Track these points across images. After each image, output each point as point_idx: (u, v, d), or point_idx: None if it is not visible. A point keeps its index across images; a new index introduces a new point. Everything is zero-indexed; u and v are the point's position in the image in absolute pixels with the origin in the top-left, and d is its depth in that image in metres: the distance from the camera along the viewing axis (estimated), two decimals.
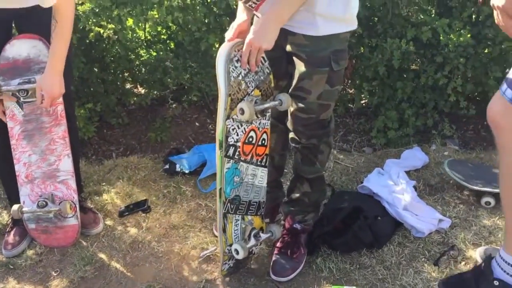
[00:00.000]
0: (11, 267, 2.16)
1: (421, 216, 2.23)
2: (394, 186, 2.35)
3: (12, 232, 2.28)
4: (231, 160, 1.83)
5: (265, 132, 1.91)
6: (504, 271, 1.79)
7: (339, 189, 2.53)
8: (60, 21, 1.91)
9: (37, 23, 2.00)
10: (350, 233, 2.12)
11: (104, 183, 2.69)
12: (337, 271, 2.07)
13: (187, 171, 2.73)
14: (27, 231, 2.24)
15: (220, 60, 1.71)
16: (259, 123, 1.88)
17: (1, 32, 2.05)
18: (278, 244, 2.11)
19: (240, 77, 1.75)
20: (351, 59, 2.94)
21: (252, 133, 1.86)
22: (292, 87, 1.87)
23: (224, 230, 1.90)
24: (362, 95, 3.05)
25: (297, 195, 2.08)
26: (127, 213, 2.46)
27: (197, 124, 3.21)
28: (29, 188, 2.19)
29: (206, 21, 2.87)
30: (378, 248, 2.15)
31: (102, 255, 2.21)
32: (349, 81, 3.16)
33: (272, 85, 1.89)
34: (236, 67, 1.73)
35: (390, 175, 2.44)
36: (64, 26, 1.93)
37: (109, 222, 2.42)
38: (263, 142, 1.92)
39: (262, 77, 1.83)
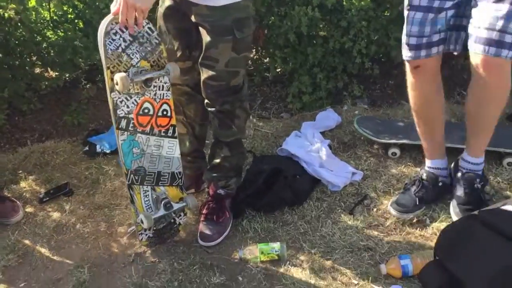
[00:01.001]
0: None
1: (336, 171, 2.38)
2: (310, 146, 2.48)
3: None
4: (126, 132, 1.86)
5: (165, 102, 1.92)
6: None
7: (260, 154, 2.62)
8: None
9: None
10: (271, 193, 2.22)
11: (20, 171, 2.60)
12: (262, 230, 2.17)
13: (108, 151, 2.70)
14: None
15: (99, 35, 1.74)
16: (155, 94, 1.89)
17: None
18: (204, 211, 2.17)
19: (120, 49, 1.76)
20: (262, 28, 3.01)
21: (147, 104, 1.88)
22: (201, 57, 1.91)
23: (132, 201, 1.94)
24: (276, 64, 3.14)
25: (218, 160, 2.13)
26: (47, 198, 2.40)
27: None
28: None
29: None
30: (299, 205, 2.27)
31: (26, 242, 2.17)
32: (263, 51, 3.24)
33: (164, 55, 1.90)
34: (113, 39, 1.74)
35: (306, 136, 2.56)
36: None
37: (29, 209, 2.36)
38: (165, 113, 1.93)
39: (149, 48, 1.83)
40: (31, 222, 2.28)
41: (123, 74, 1.73)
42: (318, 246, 2.07)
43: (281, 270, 1.98)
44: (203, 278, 1.95)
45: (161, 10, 1.99)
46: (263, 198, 2.22)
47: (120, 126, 1.84)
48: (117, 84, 1.72)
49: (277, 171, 2.30)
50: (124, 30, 1.75)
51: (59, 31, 3.01)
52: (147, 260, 2.05)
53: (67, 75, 3.19)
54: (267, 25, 3.02)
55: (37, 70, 3.15)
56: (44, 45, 3.00)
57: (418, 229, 2.10)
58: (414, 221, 2.13)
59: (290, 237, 2.13)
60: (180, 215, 2.10)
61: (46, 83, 3.11)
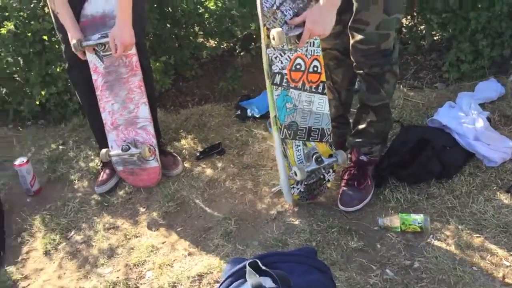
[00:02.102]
0: (105, 204, 2.43)
1: (493, 146, 2.18)
2: (465, 117, 2.30)
3: (102, 172, 2.54)
4: (280, 87, 1.93)
5: (315, 59, 1.95)
6: None
7: (408, 124, 2.52)
8: None
9: None
10: (418, 163, 2.13)
11: (181, 130, 2.87)
12: (405, 201, 2.10)
13: (257, 115, 2.84)
14: (117, 172, 2.49)
15: None
16: (306, 50, 1.93)
17: None
18: (345, 176, 2.18)
19: (274, 7, 1.84)
20: None
21: (299, 60, 1.93)
22: (351, 20, 1.89)
23: (285, 155, 2.01)
24: (433, 30, 2.94)
25: (363, 125, 2.10)
26: (203, 155, 2.63)
27: None
28: (114, 134, 2.41)
29: None
30: (447, 178, 2.15)
31: (183, 193, 2.41)
32: (419, 17, 3.06)
33: None
34: None
35: (461, 107, 2.38)
36: None
37: (187, 164, 2.61)
38: (315, 69, 1.97)
39: (301, 4, 1.86)
40: (188, 176, 2.52)
41: (279, 29, 1.79)
42: (466, 223, 1.94)
43: (423, 243, 1.91)
44: (340, 241, 1.97)
45: None
46: (408, 168, 2.14)
47: (274, 82, 1.92)
48: (273, 39, 1.78)
49: (425, 141, 2.19)
50: None
51: (219, 1, 3.21)
52: (287, 219, 2.14)
53: (224, 44, 3.40)
54: None
55: (199, 40, 3.42)
56: (206, 15, 3.24)
57: None
58: None
59: (435, 210, 2.03)
60: (329, 171, 2.13)
61: (206, 51, 3.36)
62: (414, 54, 3.13)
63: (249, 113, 2.87)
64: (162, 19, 3.10)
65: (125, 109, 2.36)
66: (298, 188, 2.09)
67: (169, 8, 3.11)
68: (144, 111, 2.35)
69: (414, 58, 3.12)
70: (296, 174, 1.98)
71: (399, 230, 1.96)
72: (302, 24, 1.81)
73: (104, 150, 2.37)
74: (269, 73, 1.91)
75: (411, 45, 3.09)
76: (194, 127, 2.90)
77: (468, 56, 2.76)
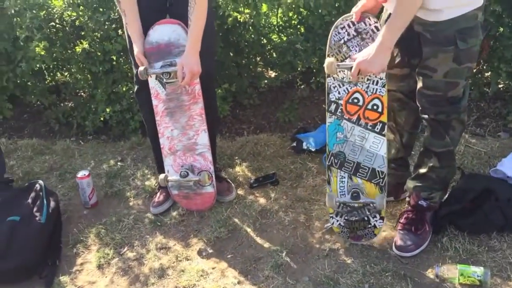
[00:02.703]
0: (159, 224, 2.47)
1: None
2: None
3: (158, 194, 2.60)
4: (333, 116, 2.03)
5: (376, 97, 1.97)
6: None
7: (470, 172, 2.46)
8: (197, 4, 2.08)
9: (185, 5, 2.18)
10: (479, 214, 2.07)
11: (236, 157, 2.91)
12: (463, 251, 2.04)
13: (313, 149, 2.84)
14: (171, 196, 2.54)
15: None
16: (367, 87, 1.97)
17: (157, 16, 2.29)
18: (402, 220, 2.14)
19: (342, 41, 1.94)
20: (488, 39, 2.80)
21: (357, 95, 1.99)
22: (419, 65, 1.89)
23: (328, 182, 2.05)
24: (500, 78, 2.89)
25: (424, 170, 2.07)
26: (256, 184, 2.65)
27: (323, 105, 3.30)
28: (172, 159, 2.45)
29: (336, 5, 2.94)
30: (510, 232, 2.07)
31: (235, 220, 2.43)
32: (485, 64, 3.01)
33: None
34: (339, 32, 1.94)
35: None
36: (200, 9, 2.10)
37: (240, 191, 2.63)
38: (375, 107, 1.98)
39: (369, 43, 1.90)
40: (241, 203, 2.54)
41: (331, 59, 1.92)
42: None
43: None
44: (395, 286, 1.93)
45: (384, 17, 2.02)
46: (468, 217, 2.08)
47: (329, 109, 2.04)
48: (326, 66, 1.91)
49: (488, 191, 2.13)
50: (351, 25, 1.91)
51: (282, 35, 3.28)
52: (340, 257, 2.11)
53: (284, 76, 3.45)
54: (494, 36, 2.81)
55: (259, 69, 3.49)
56: (268, 47, 3.31)
57: None
58: None
59: (496, 264, 1.96)
60: (375, 216, 2.10)
61: (266, 81, 3.42)
62: (477, 101, 3.08)
63: (304, 146, 2.88)
64: (226, 47, 3.19)
65: (184, 135, 2.40)
66: (337, 220, 2.12)
67: (234, 37, 3.20)
68: (203, 138, 2.38)
69: (477, 105, 3.06)
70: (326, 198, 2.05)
71: (456, 281, 1.90)
72: None
73: (162, 176, 2.42)
74: (326, 101, 2.03)
75: (474, 91, 3.04)
76: (249, 155, 2.93)
77: None
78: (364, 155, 2.03)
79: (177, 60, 2.22)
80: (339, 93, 2.00)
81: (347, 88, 1.99)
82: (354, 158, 2.05)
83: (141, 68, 2.22)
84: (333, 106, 2.03)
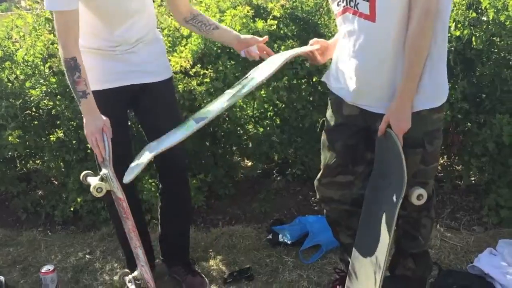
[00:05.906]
0: None
1: None
2: (508, 267, 2.20)
3: None
4: None
5: None
6: None
7: (447, 268, 2.42)
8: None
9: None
10: None
11: (211, 250, 2.82)
12: None
13: (289, 242, 2.78)
14: None
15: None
16: None
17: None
18: None
19: None
20: (458, 134, 2.90)
21: None
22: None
23: None
24: (471, 172, 2.95)
25: (401, 271, 2.03)
26: (231, 279, 2.54)
27: (300, 196, 3.29)
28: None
29: (310, 99, 3.04)
30: None
31: None
32: (456, 158, 3.09)
33: None
34: None
35: (504, 256, 2.30)
36: None
37: (214, 287, 2.52)
38: None
39: None
40: None
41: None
42: None
43: None
44: None
45: (327, 126, 2.00)
46: None
47: None
48: None
49: None
50: None
51: (258, 126, 3.34)
52: None
53: (260, 166, 3.46)
54: (462, 132, 2.90)
55: (236, 159, 3.50)
56: (245, 137, 3.34)
57: None
58: None
59: None
60: None
61: (242, 171, 3.42)
62: (450, 193, 3.11)
63: (280, 238, 2.82)
64: (202, 137, 3.20)
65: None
66: None
67: (210, 128, 3.23)
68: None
69: (451, 198, 3.09)
70: None
71: None
72: None
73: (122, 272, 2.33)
74: None
75: (446, 184, 3.09)
76: (224, 248, 2.84)
77: (508, 202, 2.72)
78: None
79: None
80: None
81: None
82: None
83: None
84: None
